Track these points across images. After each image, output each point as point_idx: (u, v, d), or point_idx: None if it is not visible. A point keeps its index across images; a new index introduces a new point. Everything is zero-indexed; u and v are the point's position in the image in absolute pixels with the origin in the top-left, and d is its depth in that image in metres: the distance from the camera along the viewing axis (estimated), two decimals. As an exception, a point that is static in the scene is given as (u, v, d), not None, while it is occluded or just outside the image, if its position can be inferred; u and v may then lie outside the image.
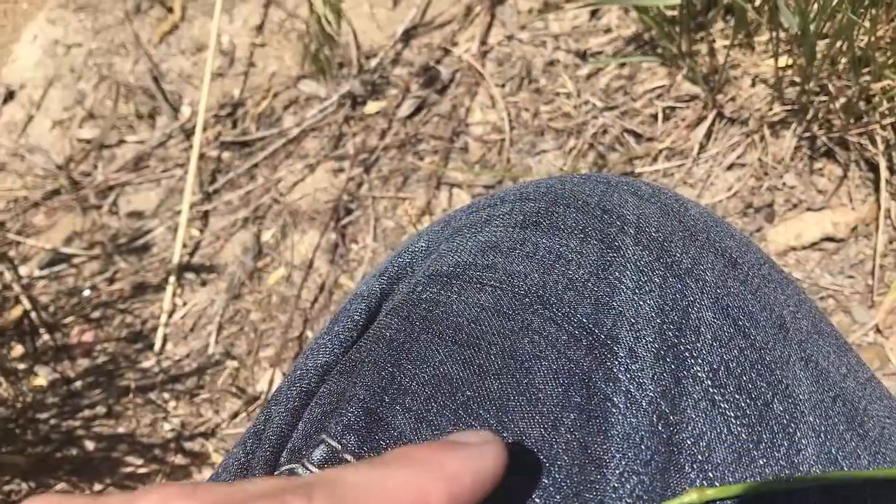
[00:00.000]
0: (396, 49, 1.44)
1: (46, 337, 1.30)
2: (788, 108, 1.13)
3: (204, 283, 1.29)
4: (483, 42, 1.40)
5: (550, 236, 0.47)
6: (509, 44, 1.39)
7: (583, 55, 1.33)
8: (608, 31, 1.33)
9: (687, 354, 0.41)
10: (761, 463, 0.38)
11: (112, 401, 1.24)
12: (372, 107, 1.38)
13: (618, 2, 1.19)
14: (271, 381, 1.19)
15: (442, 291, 0.45)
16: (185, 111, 1.47)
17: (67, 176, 1.44)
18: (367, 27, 1.47)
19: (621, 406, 0.39)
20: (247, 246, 1.30)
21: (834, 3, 0.95)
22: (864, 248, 1.07)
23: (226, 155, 1.39)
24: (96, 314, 1.30)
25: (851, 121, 1.08)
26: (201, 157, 1.39)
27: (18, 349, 1.32)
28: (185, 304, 1.28)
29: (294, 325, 1.20)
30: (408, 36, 1.45)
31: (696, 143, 1.16)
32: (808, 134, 1.12)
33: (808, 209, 1.10)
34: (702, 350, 0.41)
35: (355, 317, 0.48)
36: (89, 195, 1.42)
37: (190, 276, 1.30)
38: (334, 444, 0.39)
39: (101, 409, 1.23)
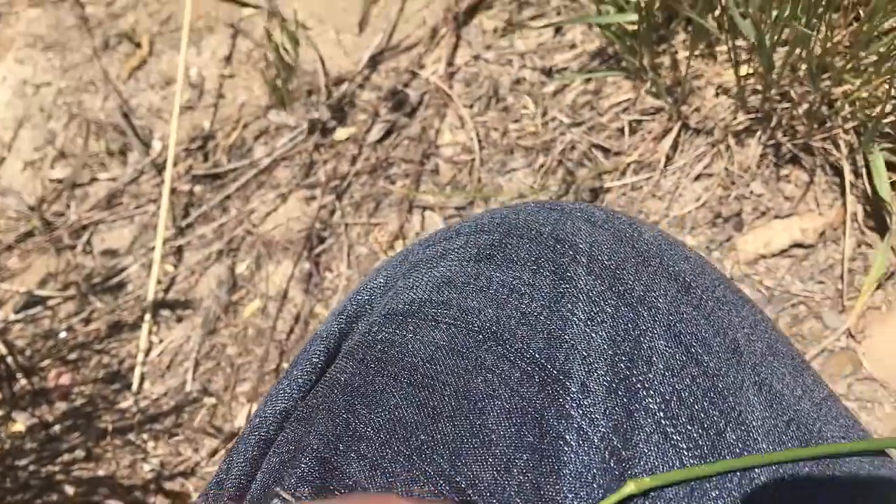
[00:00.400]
0: (364, 74, 1.44)
1: (24, 381, 1.30)
2: (752, 116, 1.13)
3: (180, 320, 1.29)
4: (450, 63, 1.41)
5: (504, 269, 0.47)
6: (476, 64, 1.39)
7: (548, 72, 1.34)
8: (573, 46, 1.34)
9: (639, 386, 0.41)
10: (714, 495, 0.38)
11: (91, 444, 1.23)
12: (342, 133, 1.39)
13: (578, 20, 1.20)
14: (249, 417, 1.18)
15: (397, 331, 0.45)
16: (157, 146, 1.47)
17: (40, 217, 1.44)
18: (334, 53, 1.47)
19: (573, 444, 0.39)
20: (221, 279, 1.29)
21: (787, 13, 0.95)
22: (833, 252, 1.08)
23: (198, 188, 1.39)
24: (73, 356, 1.30)
25: (815, 126, 1.09)
26: (173, 191, 1.39)
27: (-4, 395, 1.31)
28: (161, 341, 1.28)
29: (270, 358, 1.20)
30: (375, 61, 1.45)
31: (663, 156, 1.17)
32: (772, 141, 1.13)
33: (776, 216, 1.11)
34: (654, 381, 0.41)
35: (314, 359, 0.48)
36: (63, 235, 1.41)
37: (165, 312, 1.29)
38: (288, 497, 0.39)
39: (80, 453, 1.22)
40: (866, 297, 1.03)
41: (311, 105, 1.41)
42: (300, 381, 0.47)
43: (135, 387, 1.24)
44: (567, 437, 0.39)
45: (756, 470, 0.40)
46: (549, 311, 0.44)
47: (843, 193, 1.09)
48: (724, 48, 1.17)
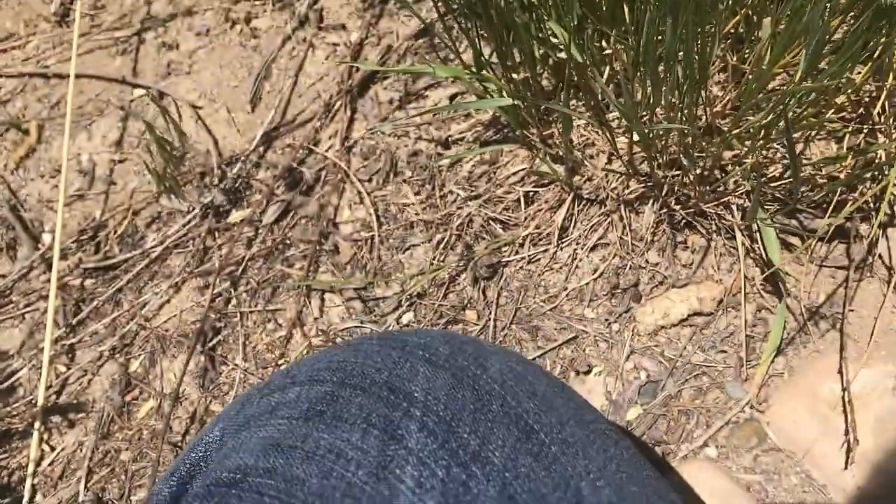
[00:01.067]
0: (258, 152, 1.40)
1: None
2: (644, 184, 1.12)
3: (72, 424, 1.23)
4: (346, 137, 1.38)
5: (332, 430, 0.45)
6: (372, 137, 1.37)
7: (445, 143, 1.31)
8: (468, 115, 1.32)
9: None
10: None
11: (-23, 569, 1.16)
12: (236, 215, 1.35)
13: (460, 107, 1.19)
14: (140, 531, 1.13)
15: None
16: (47, 239, 1.42)
17: (-75, 321, 1.37)
18: (227, 132, 1.44)
19: None
20: (115, 378, 1.24)
21: (652, 97, 0.94)
22: (733, 319, 1.06)
23: (89, 282, 1.34)
24: (-41, 471, 1.23)
25: (707, 192, 1.07)
26: (64, 286, 1.34)
27: None
28: (53, 449, 1.22)
29: (165, 462, 1.15)
30: (269, 138, 1.42)
31: (557, 228, 1.15)
32: (665, 209, 1.11)
33: (674, 286, 1.09)
34: None
35: None
36: (-51, 339, 1.35)
37: (57, 418, 1.24)
38: None
39: (-36, 581, 1.16)
40: (767, 366, 1.01)
41: (203, 188, 1.37)
42: None
43: (25, 501, 1.18)
44: None
45: None
46: (377, 480, 0.42)
47: (740, 258, 1.07)
48: (613, 115, 1.16)
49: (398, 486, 0.41)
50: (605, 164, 1.15)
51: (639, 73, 1.02)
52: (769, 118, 0.97)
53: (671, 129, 0.91)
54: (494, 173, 1.25)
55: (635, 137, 1.08)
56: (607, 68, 1.13)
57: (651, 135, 0.98)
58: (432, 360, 0.49)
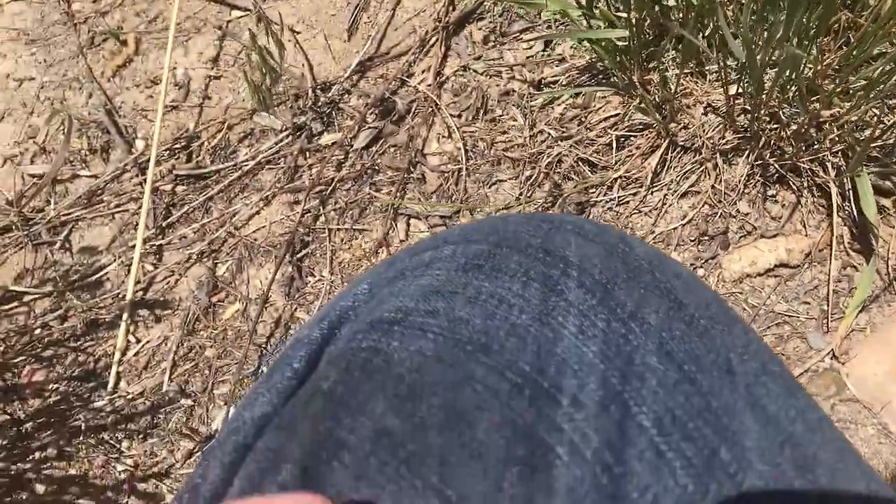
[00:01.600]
0: (352, 80, 1.43)
1: (-4, 377, 1.28)
2: (740, 135, 1.13)
3: (158, 320, 1.27)
4: (439, 73, 1.40)
5: (493, 280, 0.46)
6: (465, 74, 1.39)
7: (537, 85, 1.33)
8: (562, 60, 1.34)
9: (631, 402, 0.40)
10: None
11: (63, 442, 1.21)
12: (328, 138, 1.38)
13: (568, 35, 1.20)
14: (226, 419, 1.17)
15: (383, 338, 0.44)
16: (140, 145, 1.45)
17: (18, 212, 1.42)
18: (323, 59, 1.47)
19: (565, 458, 0.38)
20: (201, 280, 1.28)
21: (779, 35, 0.96)
22: (818, 273, 1.08)
23: (180, 189, 1.38)
24: (48, 353, 1.27)
25: (803, 148, 1.09)
26: (155, 191, 1.38)
27: (-32, 390, 1.29)
28: (138, 341, 1.26)
29: (250, 361, 1.19)
30: (363, 67, 1.44)
31: (650, 172, 1.17)
32: (760, 161, 1.13)
33: (762, 236, 1.11)
34: (646, 398, 0.40)
35: (294, 364, 0.47)
36: (41, 231, 1.39)
37: (143, 312, 1.28)
38: (269, 504, 0.38)
39: (51, 451, 1.20)
40: (851, 320, 1.03)
41: (297, 109, 1.40)
42: (280, 386, 0.46)
43: (110, 386, 1.22)
44: (558, 450, 0.38)
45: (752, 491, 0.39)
46: (540, 324, 0.43)
47: (829, 215, 1.09)
48: (714, 67, 1.17)
49: (561, 332, 0.43)
50: (702, 114, 1.17)
51: (751, 20, 1.04)
52: (874, 77, 0.98)
53: (795, 54, 0.92)
54: (586, 117, 1.27)
55: (731, 91, 1.10)
56: (711, 21, 1.14)
57: (764, 75, 1.00)
58: (581, 233, 0.50)
